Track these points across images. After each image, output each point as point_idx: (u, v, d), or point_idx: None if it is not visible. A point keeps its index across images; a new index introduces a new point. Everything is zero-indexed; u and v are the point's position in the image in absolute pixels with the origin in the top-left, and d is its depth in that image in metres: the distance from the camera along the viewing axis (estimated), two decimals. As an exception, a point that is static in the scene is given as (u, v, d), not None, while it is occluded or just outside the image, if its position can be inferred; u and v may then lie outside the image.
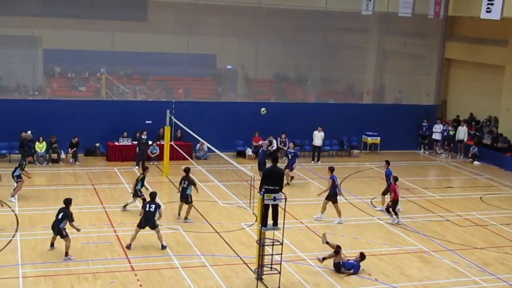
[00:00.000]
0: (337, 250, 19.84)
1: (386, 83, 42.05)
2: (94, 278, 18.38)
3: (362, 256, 20.17)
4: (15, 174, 25.54)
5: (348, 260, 20.06)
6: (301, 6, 37.21)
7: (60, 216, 19.93)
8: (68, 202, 20.26)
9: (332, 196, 24.43)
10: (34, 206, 24.69)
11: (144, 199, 23.33)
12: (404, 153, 38.07)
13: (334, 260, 19.83)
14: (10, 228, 22.07)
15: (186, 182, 23.37)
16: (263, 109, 30.64)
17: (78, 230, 20.36)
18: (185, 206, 23.61)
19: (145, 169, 25.37)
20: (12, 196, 24.99)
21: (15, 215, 23.44)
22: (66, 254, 19.80)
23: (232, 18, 37.68)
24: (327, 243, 20.32)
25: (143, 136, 32.09)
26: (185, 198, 23.42)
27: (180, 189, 23.54)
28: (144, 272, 18.98)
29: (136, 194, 24.30)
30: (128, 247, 20.69)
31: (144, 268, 19.24)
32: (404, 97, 41.32)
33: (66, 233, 19.88)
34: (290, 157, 29.72)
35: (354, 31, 40.82)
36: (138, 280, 18.39)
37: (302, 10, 37.77)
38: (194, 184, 23.61)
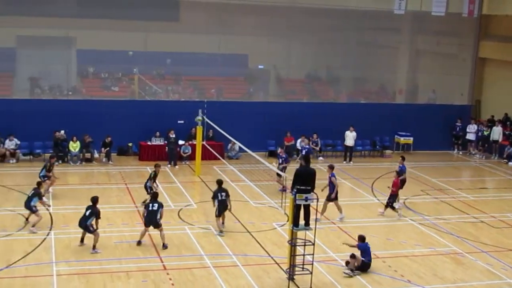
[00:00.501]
0: (352, 255, 19.67)
1: (419, 82, 41.76)
2: (127, 276, 18.51)
3: (361, 238, 19.96)
4: (41, 174, 25.86)
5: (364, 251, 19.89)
6: (333, 6, 37.11)
7: (87, 213, 20.35)
8: (95, 200, 20.65)
9: (330, 194, 24.25)
10: (68, 205, 24.94)
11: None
12: (437, 153, 37.80)
13: (356, 264, 19.68)
14: (45, 226, 22.29)
15: (224, 194, 22.39)
16: (198, 117, 30.15)
17: (96, 228, 20.52)
18: (223, 216, 22.72)
19: (156, 166, 25.44)
20: (43, 195, 25.14)
21: (49, 213, 23.68)
22: (94, 247, 20.17)
23: (264, 18, 37.69)
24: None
25: (171, 135, 32.25)
26: (226, 208, 22.55)
27: (218, 203, 22.24)
28: (176, 271, 19.06)
29: (146, 190, 24.50)
30: (139, 243, 20.84)
31: (176, 268, 19.32)
32: (437, 97, 40.97)
33: (94, 228, 20.27)
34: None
35: (386, 31, 40.57)
36: (170, 279, 18.47)
37: (334, 10, 37.66)
38: (229, 195, 22.72)
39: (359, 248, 19.80)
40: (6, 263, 18.93)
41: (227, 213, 23.19)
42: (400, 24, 40.08)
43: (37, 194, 22.18)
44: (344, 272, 19.52)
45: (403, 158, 26.78)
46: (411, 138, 37.81)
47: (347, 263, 19.61)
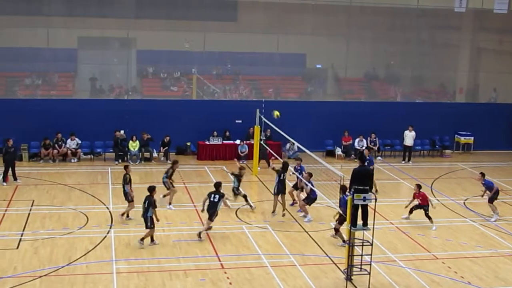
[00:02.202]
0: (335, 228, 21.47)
1: (480, 81, 41.01)
2: (185, 275, 18.65)
3: (344, 188, 20.76)
4: (164, 180, 25.37)
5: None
6: (393, 4, 36.77)
7: (146, 204, 20.44)
8: (151, 189, 20.81)
9: (311, 200, 23.95)
10: (127, 203, 25.24)
11: (244, 196, 24.57)
12: (498, 153, 37.09)
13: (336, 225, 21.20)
14: (105, 224, 22.68)
15: (282, 175, 23.96)
16: (276, 113, 29.58)
17: (157, 220, 20.75)
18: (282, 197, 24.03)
19: (241, 168, 25.63)
20: (169, 203, 25.06)
21: (109, 212, 24.07)
22: (142, 239, 20.49)
23: (322, 17, 37.58)
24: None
25: (262, 138, 32.08)
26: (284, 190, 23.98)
27: (278, 183, 23.90)
28: (233, 270, 19.13)
29: (233, 192, 24.95)
30: (200, 235, 21.33)
31: (234, 267, 19.38)
32: (499, 96, 40.16)
33: (153, 223, 20.39)
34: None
35: (447, 29, 39.98)
36: (227, 278, 18.55)
37: (394, 8, 37.33)
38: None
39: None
40: (68, 261, 19.30)
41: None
42: (461, 22, 39.45)
43: (125, 182, 22.83)
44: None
45: (483, 174, 25.66)
46: (472, 138, 37.19)
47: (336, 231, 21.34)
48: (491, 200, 25.07)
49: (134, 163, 32.02)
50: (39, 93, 35.20)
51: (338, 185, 22.66)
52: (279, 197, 24.01)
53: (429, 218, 23.61)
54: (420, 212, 23.98)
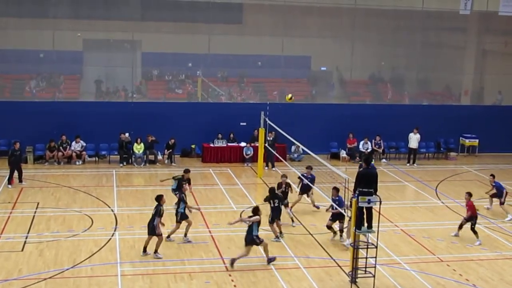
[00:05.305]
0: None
1: (485, 84, 40.94)
2: (190, 277, 18.67)
3: (337, 189, 21.77)
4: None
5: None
6: (398, 6, 36.80)
7: (153, 213, 20.23)
8: (158, 198, 20.32)
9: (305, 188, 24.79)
10: (132, 206, 25.31)
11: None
12: (504, 155, 36.97)
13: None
14: (110, 227, 22.70)
15: (277, 201, 22.09)
16: (290, 96, 29.07)
17: (161, 226, 20.29)
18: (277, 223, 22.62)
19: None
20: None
21: (114, 214, 24.09)
22: (156, 251, 20.12)
23: (328, 19, 37.60)
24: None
25: (269, 138, 31.92)
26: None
27: (271, 209, 22.07)
28: (238, 272, 19.12)
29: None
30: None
31: (239, 269, 19.37)
32: (504, 98, 40.09)
33: (160, 231, 20.07)
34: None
35: (452, 31, 39.95)
36: (232, 280, 18.55)
37: (398, 10, 37.37)
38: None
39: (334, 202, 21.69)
40: (73, 263, 19.32)
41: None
42: (466, 24, 39.40)
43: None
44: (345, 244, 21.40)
45: (493, 176, 25.75)
46: (477, 140, 37.12)
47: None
48: (502, 203, 25.22)
49: (138, 166, 32.06)
50: (45, 95, 35.27)
51: (343, 187, 22.66)
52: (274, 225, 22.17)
53: (475, 232, 22.44)
54: (425, 215, 23.97)
